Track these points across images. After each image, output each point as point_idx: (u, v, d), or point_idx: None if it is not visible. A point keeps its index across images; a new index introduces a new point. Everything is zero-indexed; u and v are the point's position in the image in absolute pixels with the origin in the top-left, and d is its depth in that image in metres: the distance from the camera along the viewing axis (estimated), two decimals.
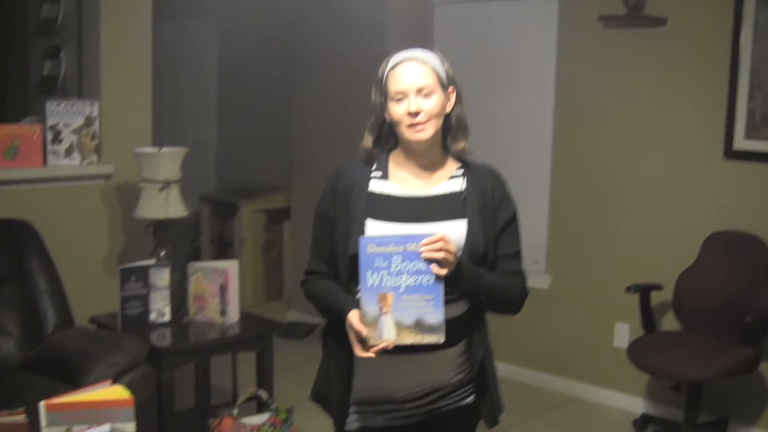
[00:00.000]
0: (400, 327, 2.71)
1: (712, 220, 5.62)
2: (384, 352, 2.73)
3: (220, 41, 9.11)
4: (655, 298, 5.70)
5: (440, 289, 2.73)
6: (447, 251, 2.73)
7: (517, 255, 3.02)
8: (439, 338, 2.72)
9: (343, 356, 2.93)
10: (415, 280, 2.72)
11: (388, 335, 2.71)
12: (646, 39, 5.89)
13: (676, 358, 5.18)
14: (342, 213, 2.94)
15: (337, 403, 3.00)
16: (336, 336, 2.96)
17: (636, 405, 6.04)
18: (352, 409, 2.99)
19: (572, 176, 6.34)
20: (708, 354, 5.15)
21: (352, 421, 3.01)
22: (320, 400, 3.11)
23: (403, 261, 2.72)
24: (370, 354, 2.74)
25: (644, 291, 5.63)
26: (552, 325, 6.50)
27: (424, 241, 2.72)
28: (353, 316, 2.78)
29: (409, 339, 2.72)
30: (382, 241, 2.74)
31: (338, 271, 2.96)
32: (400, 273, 2.72)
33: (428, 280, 2.72)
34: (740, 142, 5.52)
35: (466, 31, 6.87)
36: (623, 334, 6.07)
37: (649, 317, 5.63)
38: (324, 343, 3.13)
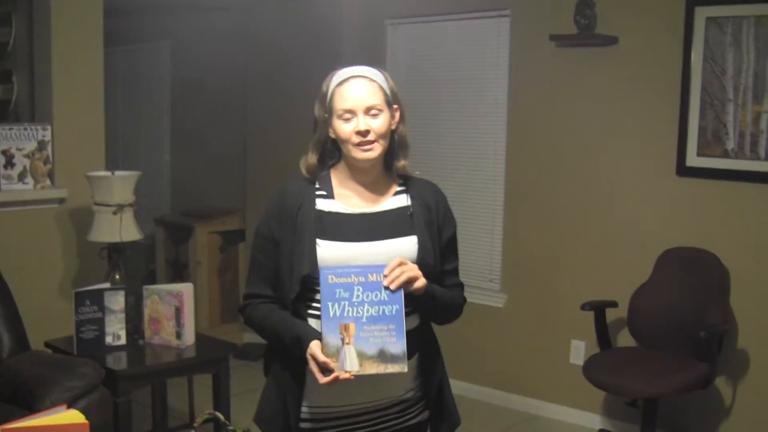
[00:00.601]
0: (362, 357, 2.70)
1: (665, 236, 5.67)
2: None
3: (174, 64, 9.10)
4: (610, 315, 5.73)
5: (402, 319, 2.72)
6: (408, 272, 2.75)
7: (457, 268, 3.09)
8: (402, 368, 2.71)
9: (290, 376, 2.91)
10: (378, 310, 2.72)
11: (351, 366, 2.69)
12: (598, 58, 5.94)
13: (632, 374, 5.20)
14: (289, 233, 2.89)
15: (286, 422, 2.95)
16: (282, 357, 2.94)
17: (593, 421, 6.07)
18: (305, 425, 2.95)
19: (526, 194, 6.37)
20: (663, 370, 5.18)
21: None
22: (263, 422, 3.04)
23: (364, 291, 2.72)
24: (331, 379, 2.70)
25: (599, 308, 5.65)
26: (508, 343, 6.52)
27: (385, 272, 2.73)
28: (315, 348, 2.73)
29: (372, 369, 2.70)
30: (343, 272, 2.73)
31: (282, 294, 2.92)
32: (362, 303, 2.71)
33: (390, 310, 2.72)
34: (692, 159, 5.56)
35: (419, 50, 6.92)
36: (579, 351, 6.10)
37: (604, 334, 5.66)
38: (266, 365, 3.09)
